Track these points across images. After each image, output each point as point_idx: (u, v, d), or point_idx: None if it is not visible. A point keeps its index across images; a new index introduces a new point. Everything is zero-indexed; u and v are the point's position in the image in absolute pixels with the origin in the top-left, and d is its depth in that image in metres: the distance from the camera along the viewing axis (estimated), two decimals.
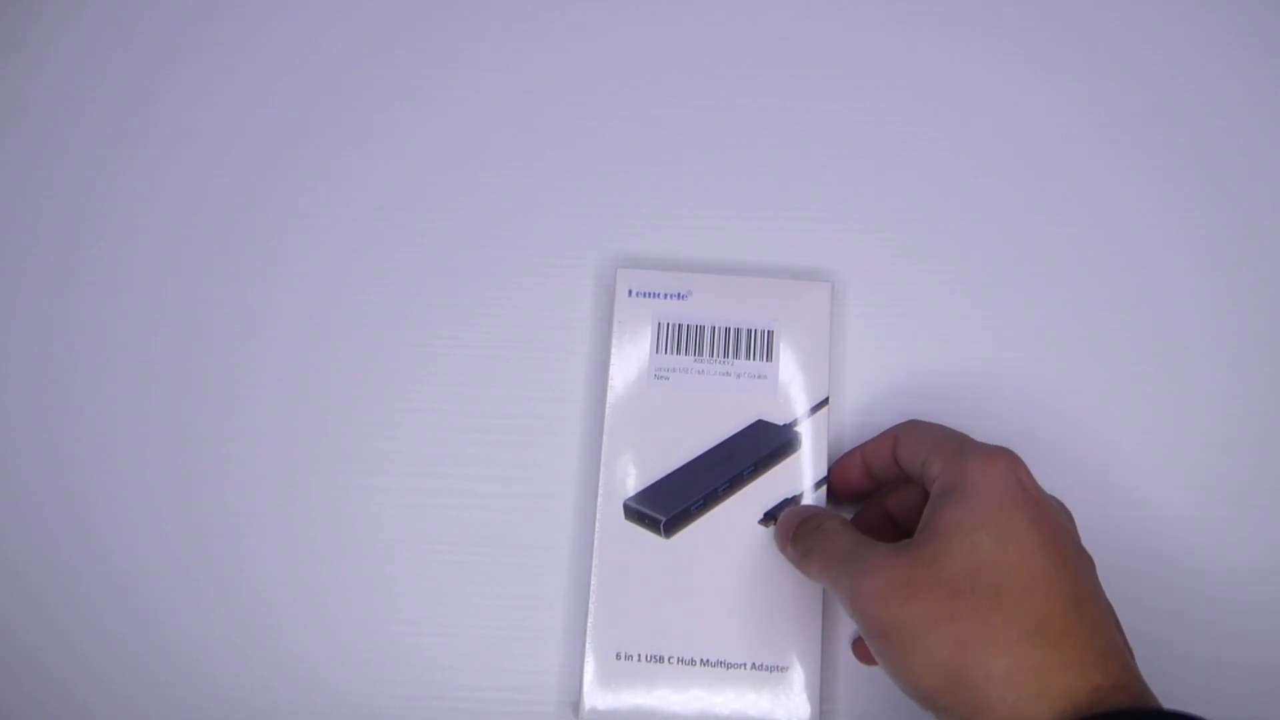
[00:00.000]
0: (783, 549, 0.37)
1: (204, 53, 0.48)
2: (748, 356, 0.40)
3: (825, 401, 0.39)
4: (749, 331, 0.40)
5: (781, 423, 0.39)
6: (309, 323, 0.44)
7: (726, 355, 0.40)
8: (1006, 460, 0.32)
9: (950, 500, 0.31)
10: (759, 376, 0.39)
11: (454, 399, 0.43)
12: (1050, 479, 0.34)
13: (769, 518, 0.38)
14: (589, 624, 0.37)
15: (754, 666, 0.37)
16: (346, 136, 0.47)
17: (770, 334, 0.40)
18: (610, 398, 0.39)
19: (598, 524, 0.38)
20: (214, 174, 0.46)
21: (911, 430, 0.36)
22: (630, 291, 0.40)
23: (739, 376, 0.39)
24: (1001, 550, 0.30)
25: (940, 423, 0.36)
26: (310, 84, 0.47)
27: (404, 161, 0.46)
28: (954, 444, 0.33)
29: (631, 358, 0.40)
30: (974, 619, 0.29)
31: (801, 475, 0.38)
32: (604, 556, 0.38)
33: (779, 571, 0.37)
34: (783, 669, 0.37)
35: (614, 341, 0.40)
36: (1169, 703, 0.29)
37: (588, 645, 0.37)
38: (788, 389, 0.39)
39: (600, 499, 0.38)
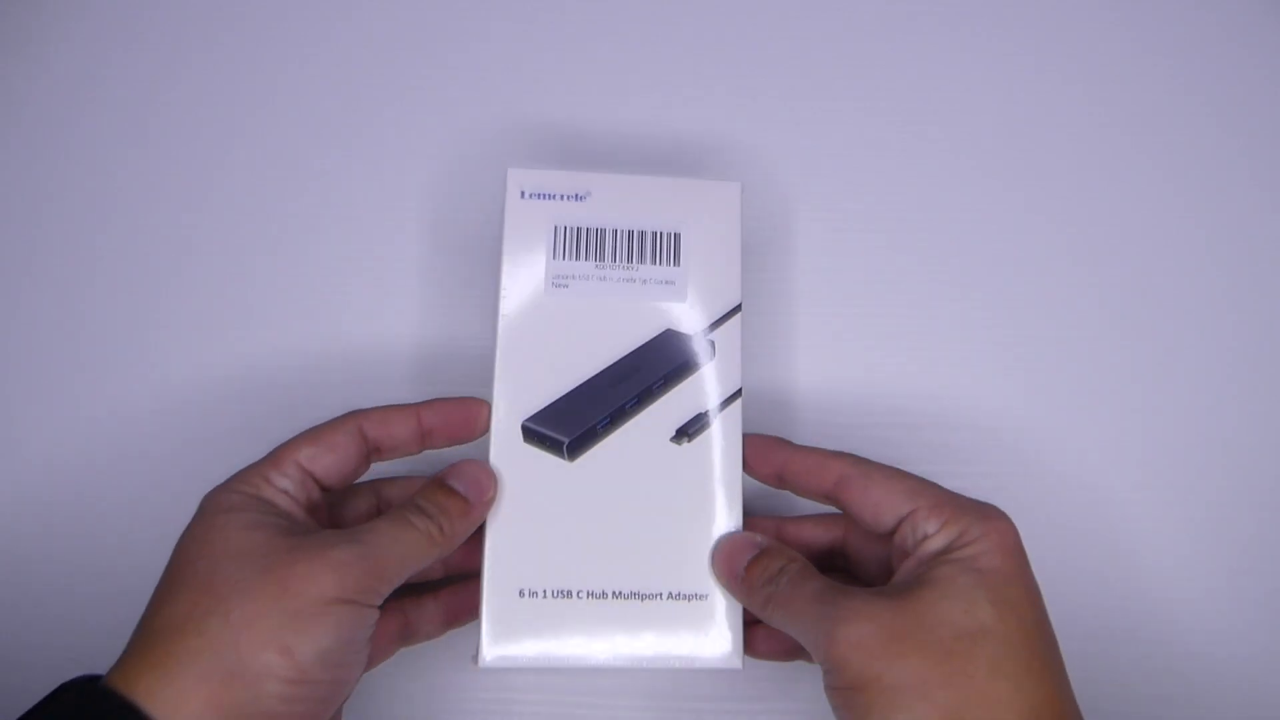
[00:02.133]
0: (726, 585, 0.34)
1: None
2: (653, 261, 0.36)
3: (738, 308, 0.36)
4: (654, 234, 0.36)
5: (692, 331, 0.36)
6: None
7: (630, 260, 0.36)
8: (1008, 525, 0.31)
9: (948, 558, 0.30)
10: (666, 282, 0.36)
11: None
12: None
13: (681, 434, 0.35)
14: (485, 559, 0.33)
15: (671, 596, 0.34)
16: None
17: (677, 236, 0.36)
18: (503, 308, 0.35)
19: (493, 448, 0.34)
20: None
21: (872, 478, 0.33)
22: (523, 193, 0.36)
23: (644, 283, 0.36)
24: (1000, 619, 0.28)
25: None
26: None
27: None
28: (942, 499, 0.31)
29: (526, 265, 0.36)
30: (970, 689, 0.27)
31: (714, 388, 0.35)
32: (501, 483, 0.34)
33: (693, 491, 0.34)
34: (702, 596, 0.34)
35: (505, 248, 0.36)
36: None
37: (485, 583, 0.33)
38: (697, 295, 0.36)
39: (495, 420, 0.34)
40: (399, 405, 0.35)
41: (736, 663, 0.33)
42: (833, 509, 0.35)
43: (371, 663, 0.34)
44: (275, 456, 0.32)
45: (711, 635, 0.33)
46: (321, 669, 0.28)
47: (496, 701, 0.38)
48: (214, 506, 0.31)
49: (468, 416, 0.35)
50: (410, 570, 0.31)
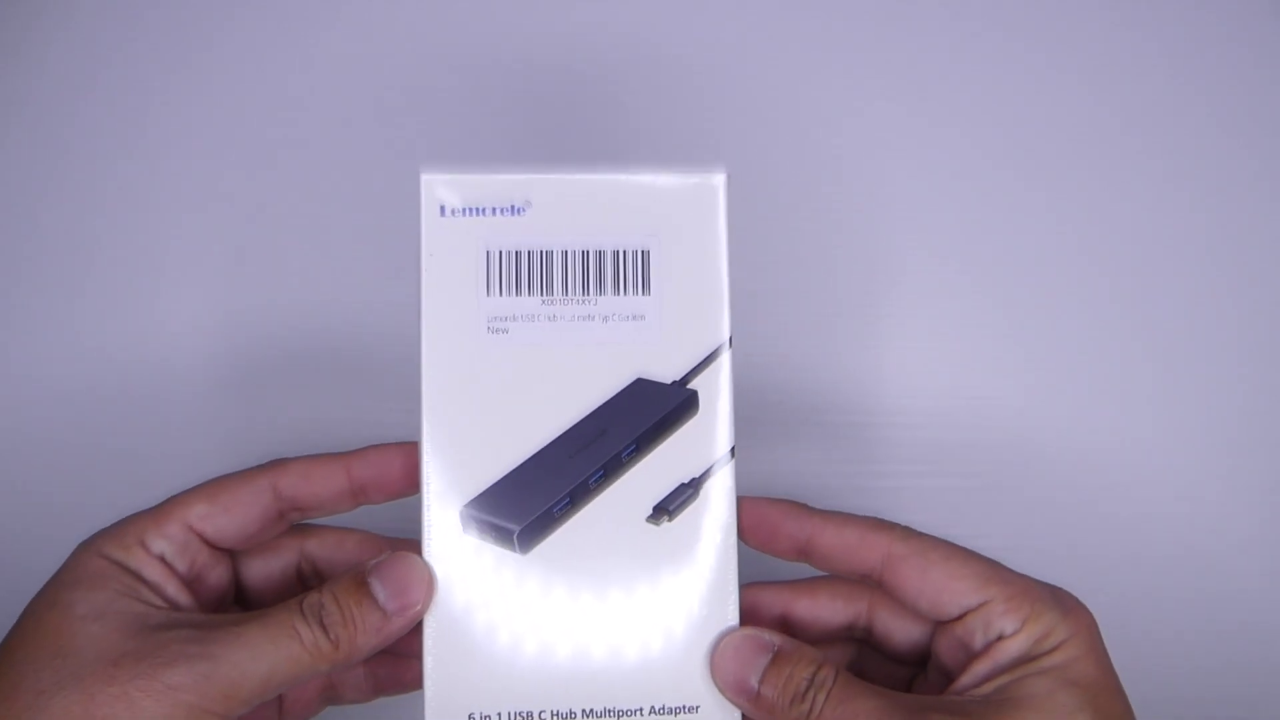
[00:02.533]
0: (735, 702, 0.27)
1: None
2: (616, 291, 0.28)
3: (726, 344, 0.29)
4: (616, 255, 0.29)
5: (669, 379, 0.28)
6: None
7: (586, 291, 0.28)
8: (1088, 617, 0.27)
9: (1038, 668, 0.26)
10: (634, 318, 0.28)
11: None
12: None
13: (660, 512, 0.28)
14: (425, 674, 0.27)
15: (655, 711, 0.28)
16: None
17: (644, 255, 0.29)
18: (426, 363, 0.28)
19: (426, 543, 0.27)
20: None
21: (929, 559, 0.28)
22: (443, 209, 0.28)
23: (606, 320, 0.28)
24: None
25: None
26: None
27: None
28: (1017, 588, 0.27)
29: (453, 306, 0.28)
30: None
31: (699, 449, 0.28)
32: (439, 587, 0.27)
33: (677, 581, 0.28)
34: (692, 709, 0.28)
35: (425, 283, 0.28)
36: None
37: (426, 706, 0.27)
38: (674, 331, 0.28)
39: (427, 508, 0.28)
40: (325, 456, 0.29)
41: None
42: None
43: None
44: (161, 512, 0.28)
45: None
46: None
47: None
48: (72, 573, 0.27)
49: (409, 468, 0.28)
50: (283, 688, 0.26)
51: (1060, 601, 0.27)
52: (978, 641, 0.27)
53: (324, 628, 0.26)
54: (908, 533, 0.28)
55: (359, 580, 0.27)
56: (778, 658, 0.27)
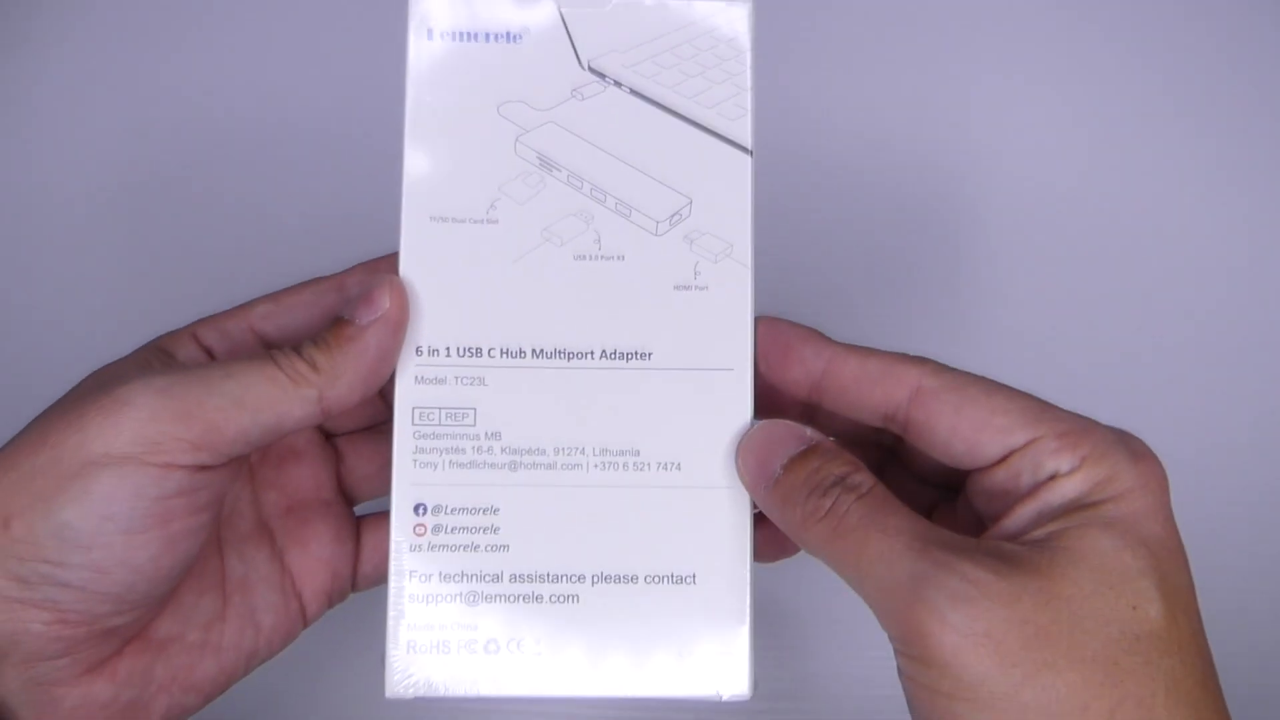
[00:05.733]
0: (751, 490, 0.25)
1: None
2: None
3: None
4: None
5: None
6: None
7: None
8: (1159, 468, 0.23)
9: (1095, 515, 0.22)
10: None
11: None
12: None
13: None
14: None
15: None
16: None
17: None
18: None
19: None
20: None
21: (967, 393, 0.24)
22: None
23: None
24: (1172, 618, 0.21)
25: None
26: None
27: None
28: (1072, 424, 0.23)
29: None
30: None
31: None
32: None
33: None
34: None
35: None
36: None
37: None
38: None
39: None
40: (307, 283, 0.28)
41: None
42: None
43: (369, 581, 0.28)
44: (228, 312, 0.27)
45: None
46: (63, 546, 0.22)
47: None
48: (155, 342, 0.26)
49: None
50: (266, 427, 0.23)
51: (1128, 445, 0.23)
52: (1023, 483, 0.23)
53: (298, 351, 0.24)
54: (941, 367, 0.24)
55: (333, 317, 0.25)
56: (811, 449, 0.24)
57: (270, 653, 0.27)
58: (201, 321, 0.27)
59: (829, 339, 0.25)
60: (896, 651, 0.22)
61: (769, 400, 0.26)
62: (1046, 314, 0.41)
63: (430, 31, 0.25)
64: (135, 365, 0.25)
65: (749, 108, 0.26)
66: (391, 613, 0.24)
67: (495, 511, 0.25)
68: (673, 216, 0.25)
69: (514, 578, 0.24)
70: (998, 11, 0.43)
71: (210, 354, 0.27)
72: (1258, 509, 0.38)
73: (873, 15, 0.43)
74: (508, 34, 0.25)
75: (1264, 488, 0.39)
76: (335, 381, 0.23)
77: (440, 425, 0.25)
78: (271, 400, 0.23)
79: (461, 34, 0.25)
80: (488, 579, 0.24)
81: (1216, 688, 0.22)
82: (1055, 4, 0.43)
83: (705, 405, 0.25)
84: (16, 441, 0.23)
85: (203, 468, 0.23)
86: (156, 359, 0.26)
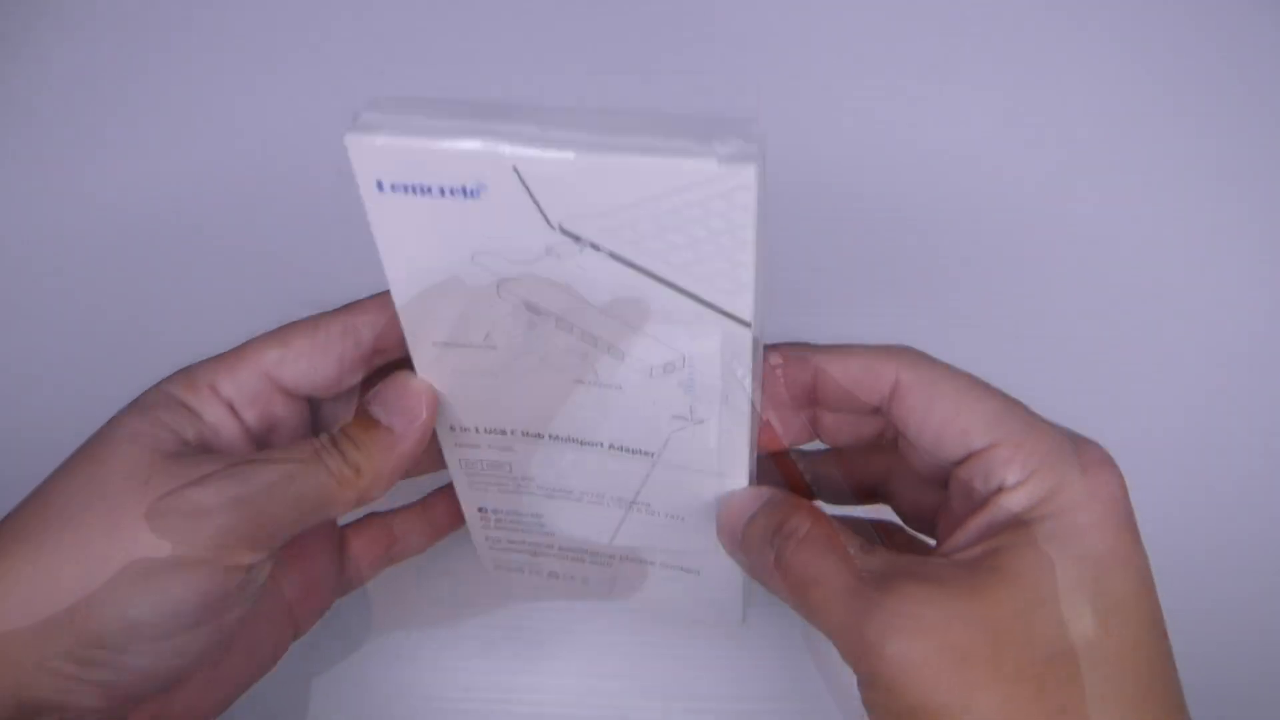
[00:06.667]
0: (731, 554, 0.27)
1: None
2: None
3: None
4: None
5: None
6: None
7: None
8: (1113, 474, 0.23)
9: (1035, 530, 0.22)
10: None
11: None
12: None
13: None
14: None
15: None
16: None
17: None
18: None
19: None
20: None
21: (938, 389, 0.24)
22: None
23: None
24: (1106, 630, 0.21)
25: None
26: None
27: None
28: (1028, 433, 0.23)
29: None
30: None
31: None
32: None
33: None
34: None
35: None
36: None
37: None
38: None
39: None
40: (308, 322, 0.27)
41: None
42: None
43: (352, 585, 0.31)
44: (235, 356, 0.27)
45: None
46: (130, 644, 0.23)
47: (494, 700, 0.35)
48: (132, 404, 0.26)
49: None
50: (312, 519, 0.25)
51: (1081, 454, 0.23)
52: (977, 489, 0.23)
53: (343, 455, 0.25)
54: (918, 359, 0.24)
55: (360, 412, 0.26)
56: (765, 505, 0.26)
57: (264, 672, 0.29)
58: (212, 368, 0.26)
59: (810, 347, 0.26)
60: (859, 683, 0.23)
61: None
62: (1041, 312, 0.42)
63: (380, 184, 0.22)
64: (168, 433, 0.25)
65: (750, 283, 0.22)
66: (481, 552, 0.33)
67: (539, 516, 0.30)
68: (666, 366, 0.24)
69: (560, 550, 0.31)
70: (997, 11, 0.45)
71: (234, 410, 0.26)
72: (1250, 507, 0.38)
73: (873, 15, 0.45)
74: (464, 189, 0.22)
75: (1251, 485, 0.38)
76: (376, 482, 0.25)
77: (484, 472, 0.29)
78: (323, 502, 0.25)
79: (413, 187, 0.22)
80: (540, 548, 0.32)
81: (1167, 690, 0.22)
82: (1052, 4, 0.45)
83: (705, 487, 0.27)
84: (83, 517, 0.23)
85: (259, 561, 0.24)
86: (188, 422, 0.25)
